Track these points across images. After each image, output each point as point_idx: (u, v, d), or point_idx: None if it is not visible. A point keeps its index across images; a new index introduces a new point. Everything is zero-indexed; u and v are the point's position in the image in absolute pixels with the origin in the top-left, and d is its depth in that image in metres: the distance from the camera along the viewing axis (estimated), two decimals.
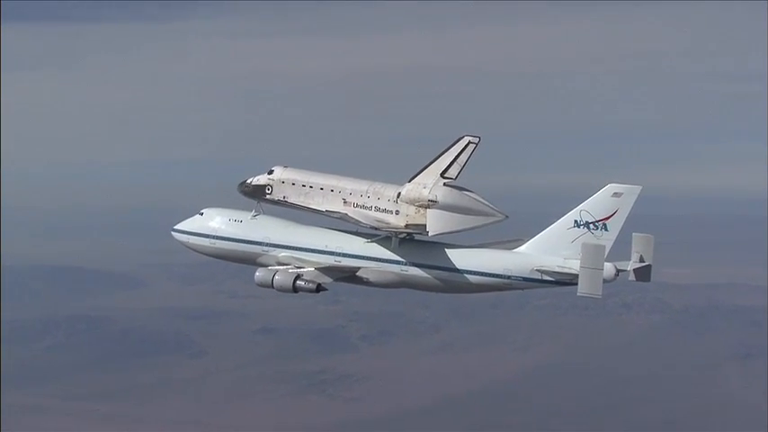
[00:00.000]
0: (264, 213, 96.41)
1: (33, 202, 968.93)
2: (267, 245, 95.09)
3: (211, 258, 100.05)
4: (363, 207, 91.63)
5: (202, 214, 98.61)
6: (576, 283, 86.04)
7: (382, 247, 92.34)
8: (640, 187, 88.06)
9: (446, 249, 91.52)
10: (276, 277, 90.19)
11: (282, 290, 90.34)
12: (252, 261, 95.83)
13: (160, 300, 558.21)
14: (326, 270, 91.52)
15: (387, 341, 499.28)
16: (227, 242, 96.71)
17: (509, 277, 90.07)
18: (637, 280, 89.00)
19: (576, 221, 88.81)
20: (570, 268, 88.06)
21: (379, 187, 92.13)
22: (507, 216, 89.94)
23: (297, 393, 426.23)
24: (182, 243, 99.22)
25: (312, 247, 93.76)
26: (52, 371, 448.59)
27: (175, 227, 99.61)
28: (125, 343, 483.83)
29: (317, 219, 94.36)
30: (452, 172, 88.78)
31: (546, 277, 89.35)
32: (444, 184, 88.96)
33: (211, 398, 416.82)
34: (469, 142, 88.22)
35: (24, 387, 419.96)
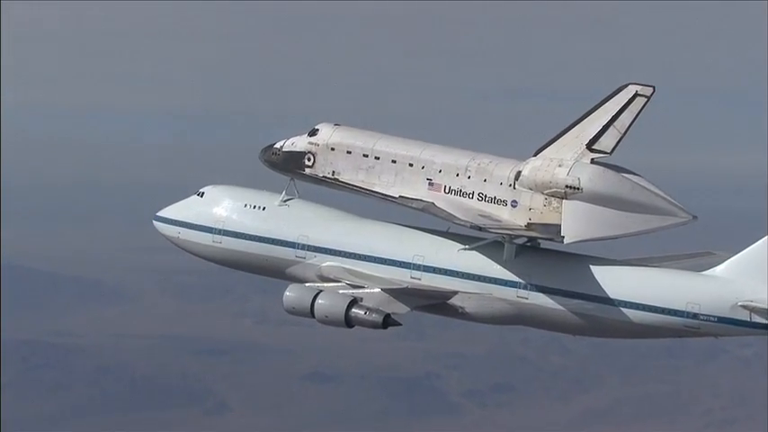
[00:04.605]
0: (301, 197, 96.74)
1: None
2: (304, 247, 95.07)
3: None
4: (460, 193, 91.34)
5: (202, 195, 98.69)
6: None
7: (489, 259, 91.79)
8: None
9: (591, 266, 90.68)
10: (319, 301, 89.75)
11: (328, 322, 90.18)
12: (278, 272, 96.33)
13: (155, 322, 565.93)
14: (399, 293, 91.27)
15: (505, 402, 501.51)
16: (238, 240, 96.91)
17: (696, 316, 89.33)
18: None
19: None
20: None
21: (485, 162, 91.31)
22: (695, 217, 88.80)
23: None
24: (168, 238, 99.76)
25: (376, 255, 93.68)
26: None
27: (159, 213, 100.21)
28: (103, 386, 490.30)
29: (384, 209, 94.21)
30: (607, 143, 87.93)
31: (757, 319, 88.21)
32: (592, 160, 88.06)
33: None
34: (637, 94, 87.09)
35: None
